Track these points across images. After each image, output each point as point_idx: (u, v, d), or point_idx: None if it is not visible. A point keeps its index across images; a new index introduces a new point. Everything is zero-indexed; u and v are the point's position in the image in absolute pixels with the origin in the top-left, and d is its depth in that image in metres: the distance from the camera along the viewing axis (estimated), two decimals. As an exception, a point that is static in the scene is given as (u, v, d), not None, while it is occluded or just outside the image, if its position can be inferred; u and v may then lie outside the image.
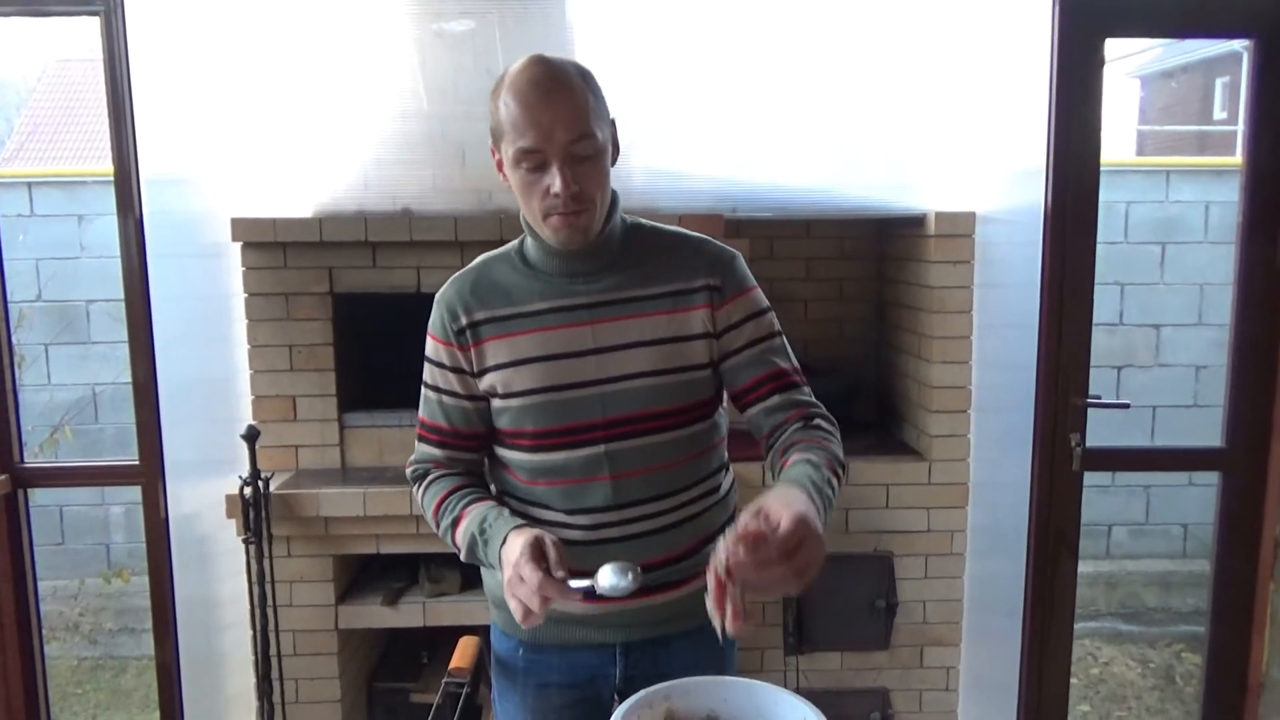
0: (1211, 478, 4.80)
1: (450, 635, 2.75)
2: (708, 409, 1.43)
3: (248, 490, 2.30)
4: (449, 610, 2.52)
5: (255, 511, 2.31)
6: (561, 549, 1.23)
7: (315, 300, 2.52)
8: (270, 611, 2.40)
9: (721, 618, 1.06)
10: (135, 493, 2.34)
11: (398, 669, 2.83)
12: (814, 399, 1.44)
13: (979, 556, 2.65)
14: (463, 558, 1.36)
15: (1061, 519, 2.36)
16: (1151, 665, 4.25)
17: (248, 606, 2.39)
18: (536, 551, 1.20)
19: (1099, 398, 2.36)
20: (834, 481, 1.27)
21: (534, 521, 1.41)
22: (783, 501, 1.12)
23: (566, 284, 1.38)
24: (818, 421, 1.40)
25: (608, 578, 1.21)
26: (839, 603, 2.62)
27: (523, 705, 1.49)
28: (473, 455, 1.46)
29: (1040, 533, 2.36)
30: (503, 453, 1.44)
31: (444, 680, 1.33)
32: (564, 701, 1.46)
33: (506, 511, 1.34)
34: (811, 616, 2.62)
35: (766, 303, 1.45)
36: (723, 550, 1.07)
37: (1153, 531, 4.84)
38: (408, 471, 1.48)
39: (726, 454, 1.53)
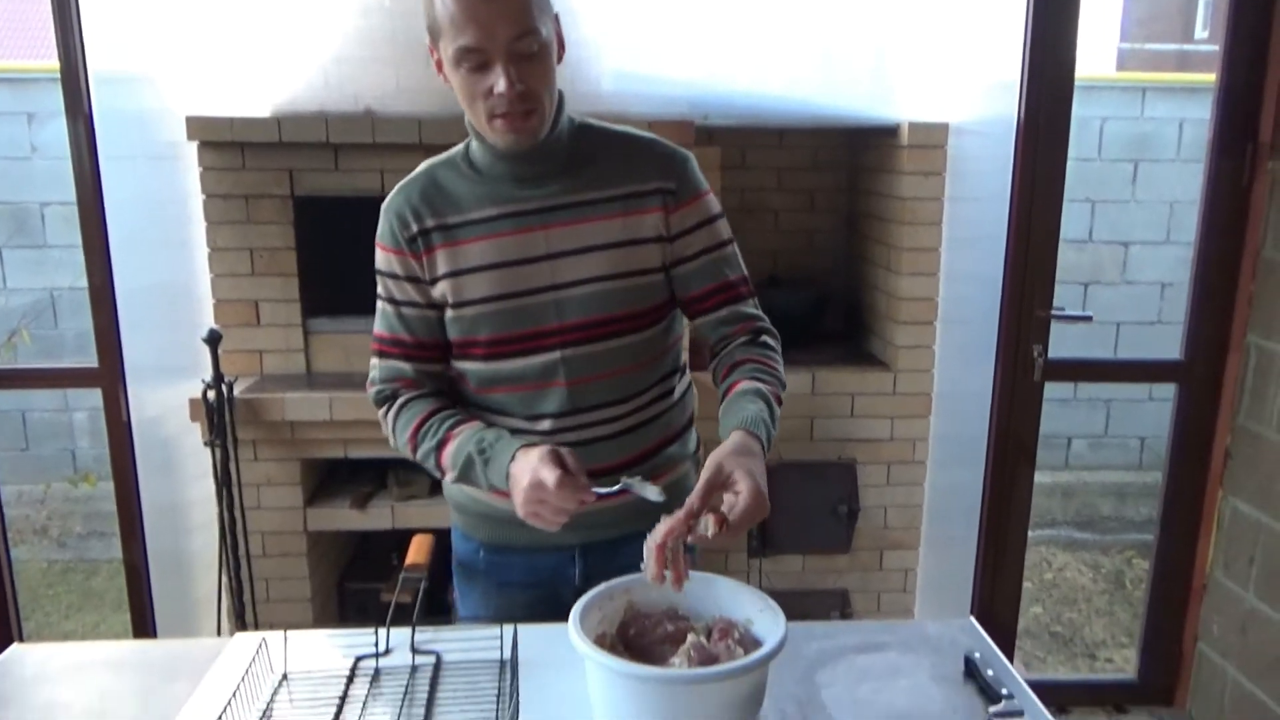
0: (1169, 391, 4.93)
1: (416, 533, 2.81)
2: (662, 313, 1.43)
3: (211, 394, 2.28)
4: (417, 513, 2.55)
5: (219, 415, 2.30)
6: (578, 456, 1.24)
7: (276, 203, 2.46)
8: (238, 514, 2.42)
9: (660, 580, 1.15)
10: (98, 397, 2.31)
11: (368, 570, 2.88)
12: (760, 312, 1.46)
13: (940, 465, 2.71)
14: (450, 479, 1.36)
15: (1021, 429, 2.40)
16: (1103, 571, 4.40)
17: (216, 509, 2.40)
18: (556, 458, 1.21)
19: (1063, 310, 2.38)
20: (777, 409, 1.33)
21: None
22: (743, 469, 1.16)
23: (515, 188, 1.35)
24: (764, 339, 1.43)
25: (638, 484, 1.24)
26: (802, 508, 2.68)
27: (484, 603, 1.53)
28: (440, 368, 1.44)
29: (1000, 442, 2.41)
30: (455, 361, 1.44)
31: (401, 576, 1.34)
32: (525, 600, 1.50)
33: (507, 431, 1.33)
34: (775, 521, 2.67)
35: (718, 207, 1.44)
36: (663, 529, 1.15)
37: (1110, 444, 4.96)
38: (371, 393, 1.44)
39: (684, 356, 1.54)
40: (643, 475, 1.41)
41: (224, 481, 2.36)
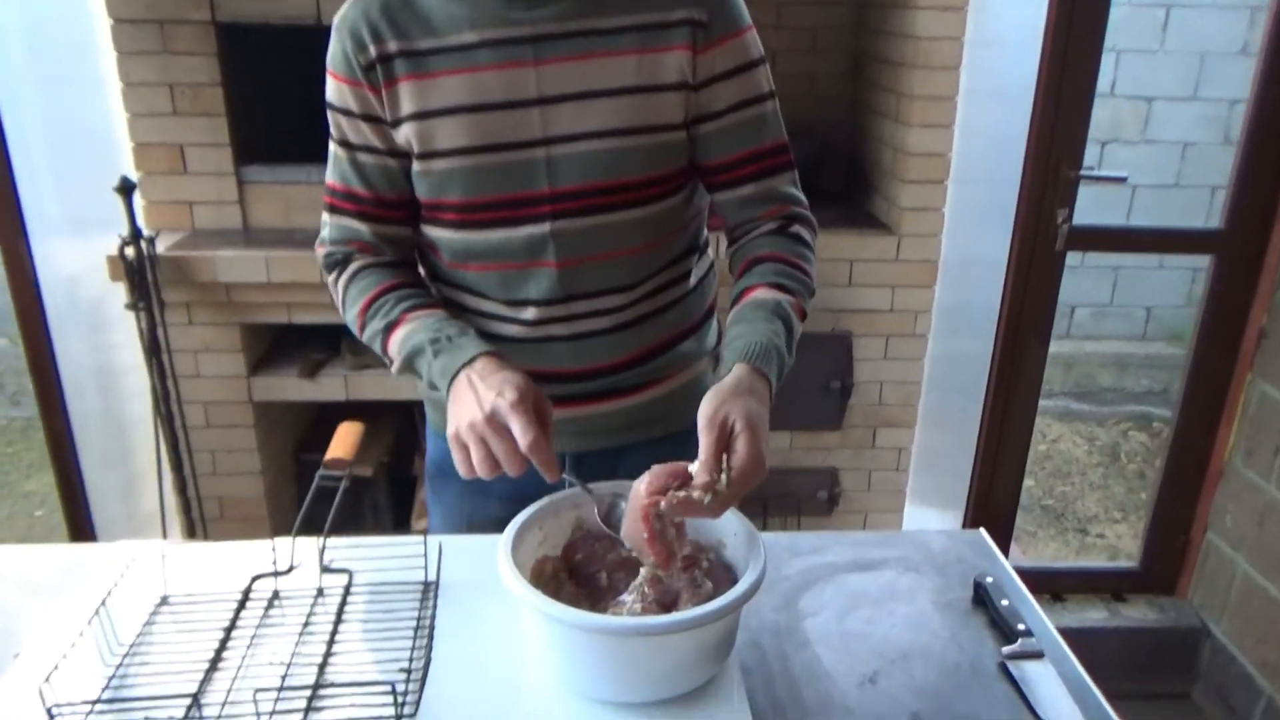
0: (1182, 261, 4.66)
1: (379, 409, 2.61)
2: (680, 181, 1.15)
3: (130, 251, 2.02)
4: (373, 383, 2.34)
5: (141, 275, 2.04)
6: (551, 417, 1.00)
7: (196, 30, 2.13)
8: (171, 383, 2.20)
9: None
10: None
11: (326, 441, 2.67)
12: (798, 192, 1.18)
13: (941, 338, 2.49)
14: (395, 369, 1.10)
15: (1036, 302, 2.17)
16: (1098, 443, 4.28)
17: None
18: (538, 402, 0.96)
19: (1093, 170, 2.11)
20: (798, 327, 1.08)
21: (463, 312, 1.17)
22: (744, 419, 0.92)
23: (503, 7, 1.05)
24: (796, 230, 1.15)
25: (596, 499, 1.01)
26: (792, 383, 2.45)
27: (458, 511, 1.31)
28: (403, 230, 1.17)
29: (1012, 316, 2.18)
30: (425, 227, 1.17)
31: (317, 473, 1.13)
32: (504, 513, 1.26)
33: (473, 330, 1.07)
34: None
35: (760, 50, 1.14)
36: (644, 483, 0.91)
37: (1115, 313, 4.75)
38: (319, 255, 1.19)
39: (706, 232, 1.27)
40: (642, 375, 1.19)
41: (153, 349, 2.13)
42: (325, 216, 1.17)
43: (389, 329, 1.10)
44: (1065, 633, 1.05)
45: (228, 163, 2.25)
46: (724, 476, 0.88)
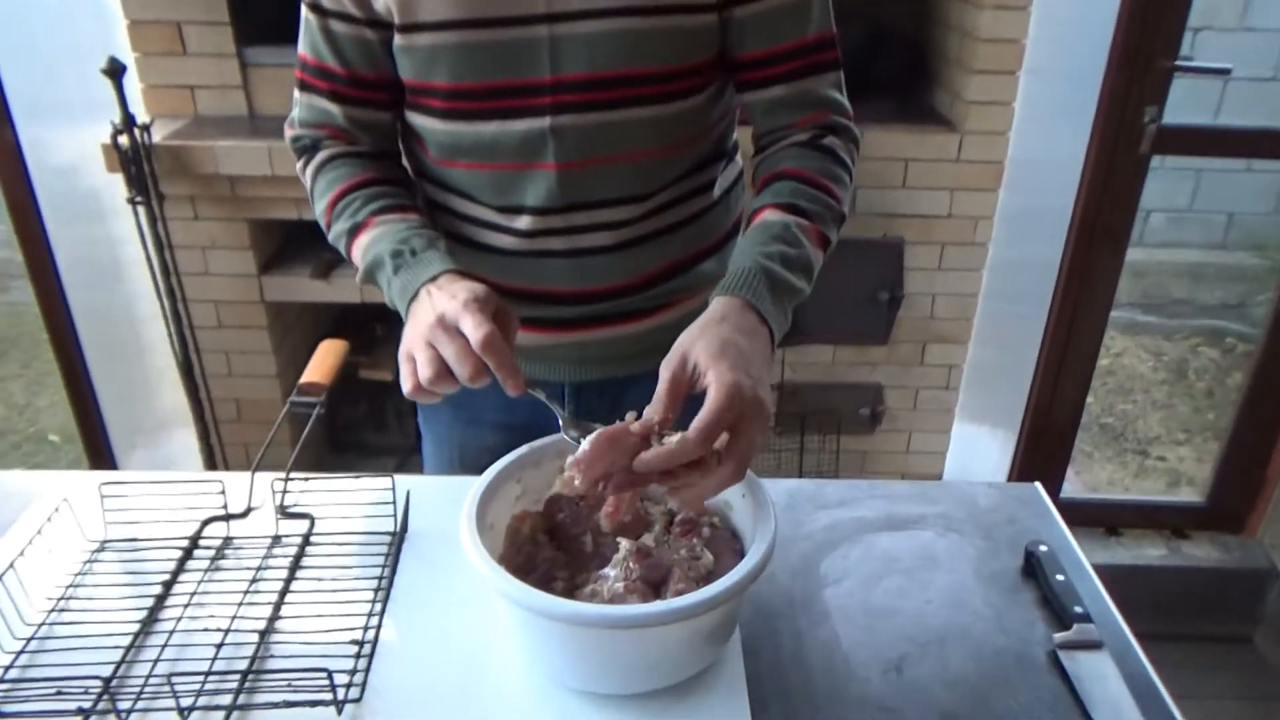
0: (1275, 164, 4.30)
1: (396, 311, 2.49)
2: (706, 75, 0.96)
3: (123, 140, 1.88)
4: (388, 286, 2.20)
5: (137, 166, 1.91)
6: (516, 321, 0.84)
7: (189, -109, 1.93)
8: (176, 281, 2.09)
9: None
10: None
11: (349, 340, 2.58)
12: (840, 96, 0.99)
13: (1003, 245, 2.27)
14: (358, 278, 0.94)
15: (1114, 210, 1.94)
16: (1165, 359, 4.03)
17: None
18: (493, 306, 0.80)
19: (1190, 60, 1.85)
20: (815, 257, 0.91)
21: (450, 215, 1.02)
22: (713, 356, 0.75)
23: None
24: (829, 142, 0.96)
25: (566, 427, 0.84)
26: (837, 293, 2.28)
27: (449, 440, 1.20)
28: (382, 116, 1.01)
29: (1085, 222, 1.95)
30: (409, 115, 1.00)
31: (289, 400, 1.00)
32: (498, 442, 1.12)
33: (442, 241, 0.92)
34: (805, 306, 2.29)
35: None
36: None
37: (1193, 219, 4.41)
38: (288, 138, 1.04)
39: (735, 134, 1.09)
40: (652, 298, 1.03)
41: (156, 244, 2.02)
42: (295, 93, 1.01)
43: (354, 232, 0.94)
44: (1119, 571, 0.90)
45: (229, 43, 2.07)
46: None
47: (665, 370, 0.76)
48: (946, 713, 0.79)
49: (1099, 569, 0.95)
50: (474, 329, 0.76)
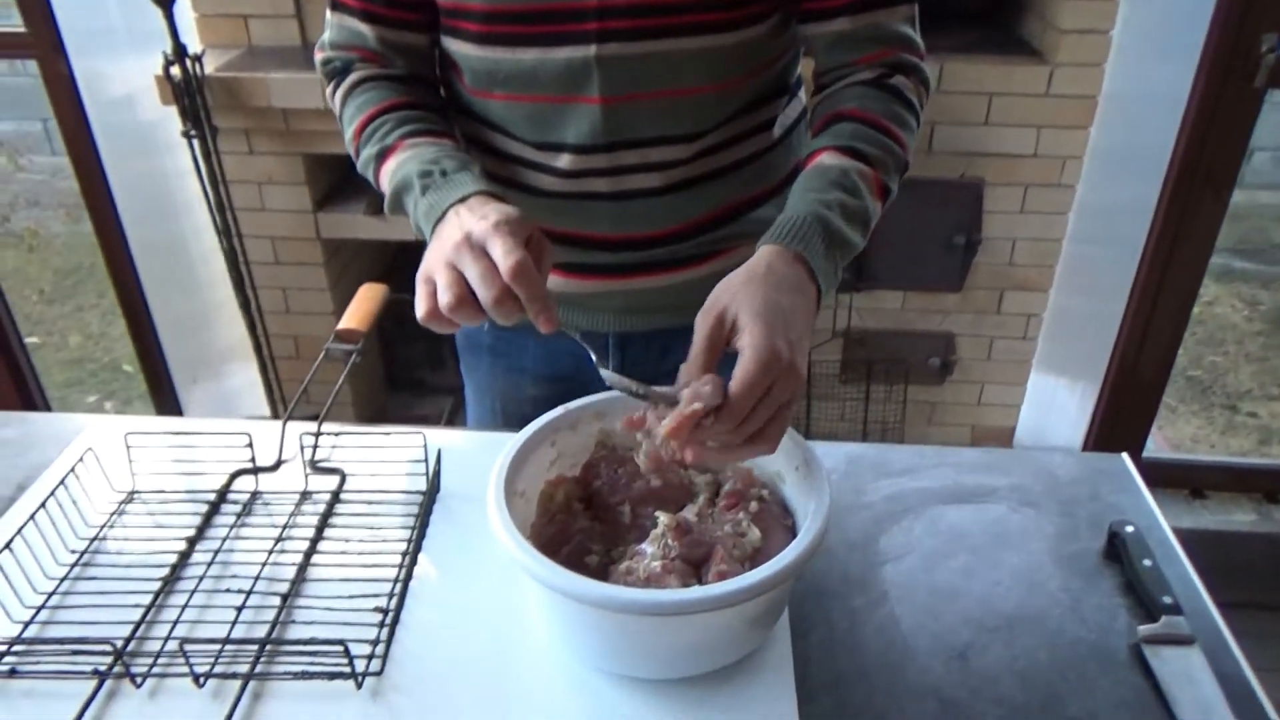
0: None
1: (456, 249, 2.45)
2: (768, 3, 0.87)
3: (175, 71, 1.84)
4: (444, 224, 2.15)
5: (190, 98, 1.87)
6: (551, 251, 0.76)
7: None
8: (231, 216, 2.07)
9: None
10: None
11: (406, 279, 2.54)
12: (911, 32, 0.88)
13: (1093, 187, 2.11)
14: (385, 206, 0.88)
15: (1219, 146, 1.78)
16: (1260, 309, 3.80)
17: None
18: (527, 232, 0.73)
19: (1320, -19, 1.66)
20: (874, 207, 0.81)
21: (486, 152, 0.95)
22: (753, 312, 0.68)
23: None
24: (897, 82, 0.86)
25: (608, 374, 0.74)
26: (910, 235, 2.17)
27: (489, 389, 1.14)
28: (418, 39, 0.94)
29: (1187, 161, 1.80)
30: (445, 40, 0.93)
31: (325, 346, 0.96)
32: (539, 393, 1.08)
33: (475, 164, 0.84)
34: (875, 249, 2.18)
35: None
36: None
37: (1302, 158, 4.12)
38: (318, 60, 0.98)
39: (799, 68, 1.00)
40: (703, 245, 0.96)
41: (211, 179, 1.99)
42: (327, 14, 0.95)
43: (382, 157, 0.88)
44: (1203, 537, 0.81)
45: (282, -31, 2.02)
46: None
47: (701, 325, 0.69)
48: (1015, 708, 0.72)
49: (1180, 534, 0.87)
50: (504, 254, 0.68)
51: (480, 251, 0.70)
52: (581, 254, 0.96)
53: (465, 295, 0.69)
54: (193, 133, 1.93)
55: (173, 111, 1.98)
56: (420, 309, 0.72)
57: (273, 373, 2.27)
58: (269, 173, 2.10)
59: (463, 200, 0.77)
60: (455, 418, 2.52)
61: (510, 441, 0.76)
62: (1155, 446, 2.45)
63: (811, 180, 0.80)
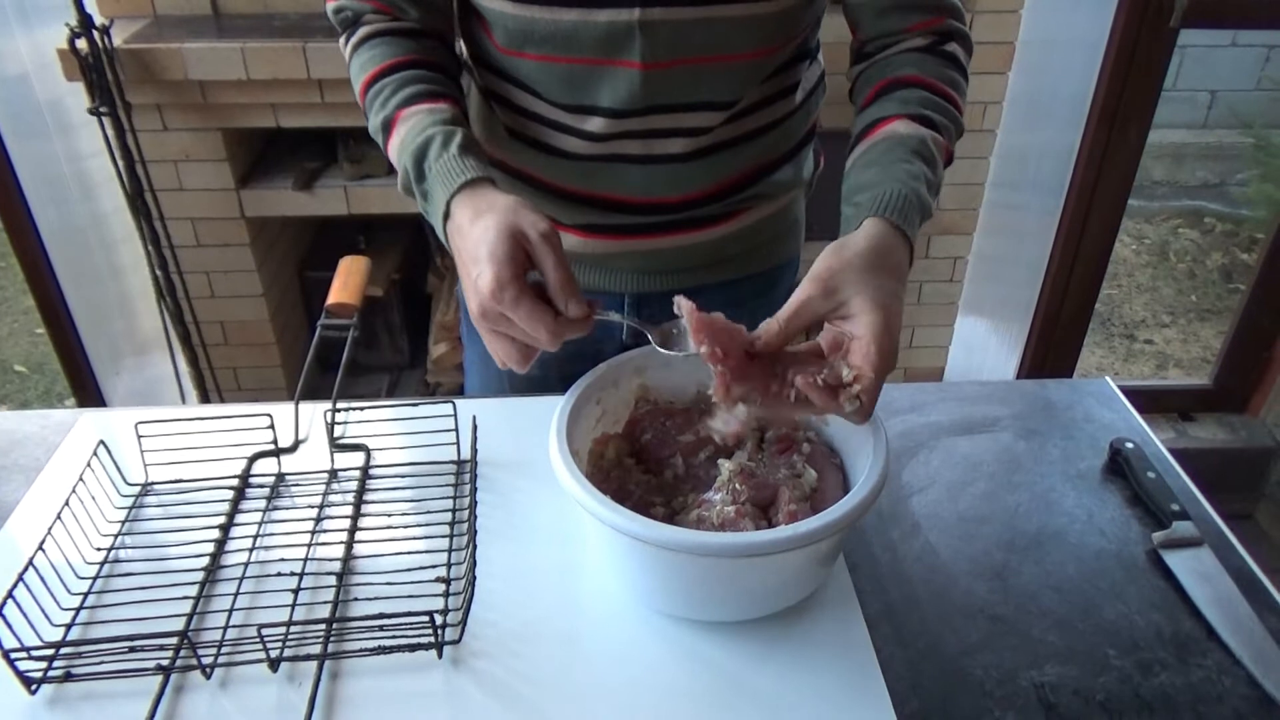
0: (1256, 37, 4.23)
1: (383, 221, 2.38)
2: None
3: (81, 44, 1.73)
4: (377, 196, 2.10)
5: (99, 73, 1.76)
6: (557, 240, 0.71)
7: None
8: (151, 197, 1.96)
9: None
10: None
11: (331, 256, 2.45)
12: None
13: (1011, 133, 2.20)
14: (399, 186, 0.84)
15: (1137, 87, 1.87)
16: (1147, 242, 4.04)
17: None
18: (519, 263, 0.69)
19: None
20: (941, 177, 0.82)
21: (511, 110, 0.92)
22: (870, 297, 0.67)
23: None
24: (952, 49, 0.87)
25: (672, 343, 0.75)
26: (836, 185, 2.21)
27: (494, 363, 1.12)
28: None
29: (1107, 104, 1.89)
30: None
31: (319, 324, 0.93)
32: (550, 356, 1.07)
33: (458, 136, 0.78)
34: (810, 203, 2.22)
35: None
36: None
37: (1176, 98, 4.36)
38: (329, 8, 0.91)
39: (819, 33, 1.00)
40: (727, 205, 0.96)
41: (125, 158, 1.88)
42: None
43: (387, 130, 0.84)
44: None
45: (187, -67, 1.91)
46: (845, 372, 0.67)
47: (807, 291, 0.68)
48: (1058, 618, 0.77)
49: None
50: (533, 330, 0.69)
51: (505, 321, 0.70)
52: (603, 215, 0.95)
53: (521, 352, 0.73)
54: (103, 110, 1.81)
55: (76, 88, 1.87)
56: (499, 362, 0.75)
57: (204, 360, 2.18)
58: (185, 150, 2.00)
59: (448, 216, 0.76)
60: (393, 396, 2.47)
61: (561, 401, 0.75)
62: (1071, 377, 2.60)
63: (895, 150, 0.79)
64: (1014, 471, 0.92)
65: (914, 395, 1.03)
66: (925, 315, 2.45)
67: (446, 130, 0.79)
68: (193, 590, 0.73)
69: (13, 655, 0.64)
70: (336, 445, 0.89)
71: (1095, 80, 1.91)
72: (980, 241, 2.36)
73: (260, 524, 0.80)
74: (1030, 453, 0.95)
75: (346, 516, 0.81)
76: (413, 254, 2.49)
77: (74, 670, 0.67)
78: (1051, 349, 2.25)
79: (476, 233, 0.71)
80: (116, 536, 0.79)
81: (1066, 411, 1.00)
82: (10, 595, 0.66)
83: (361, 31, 0.88)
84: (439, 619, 0.66)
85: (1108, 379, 1.05)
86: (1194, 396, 2.29)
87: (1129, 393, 1.05)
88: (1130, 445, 0.92)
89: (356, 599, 0.73)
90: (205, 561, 0.76)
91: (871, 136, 0.82)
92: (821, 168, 1.09)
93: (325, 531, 0.80)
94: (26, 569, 0.69)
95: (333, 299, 1.00)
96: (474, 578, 0.71)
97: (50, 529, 0.73)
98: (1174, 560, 0.82)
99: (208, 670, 0.66)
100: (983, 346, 2.51)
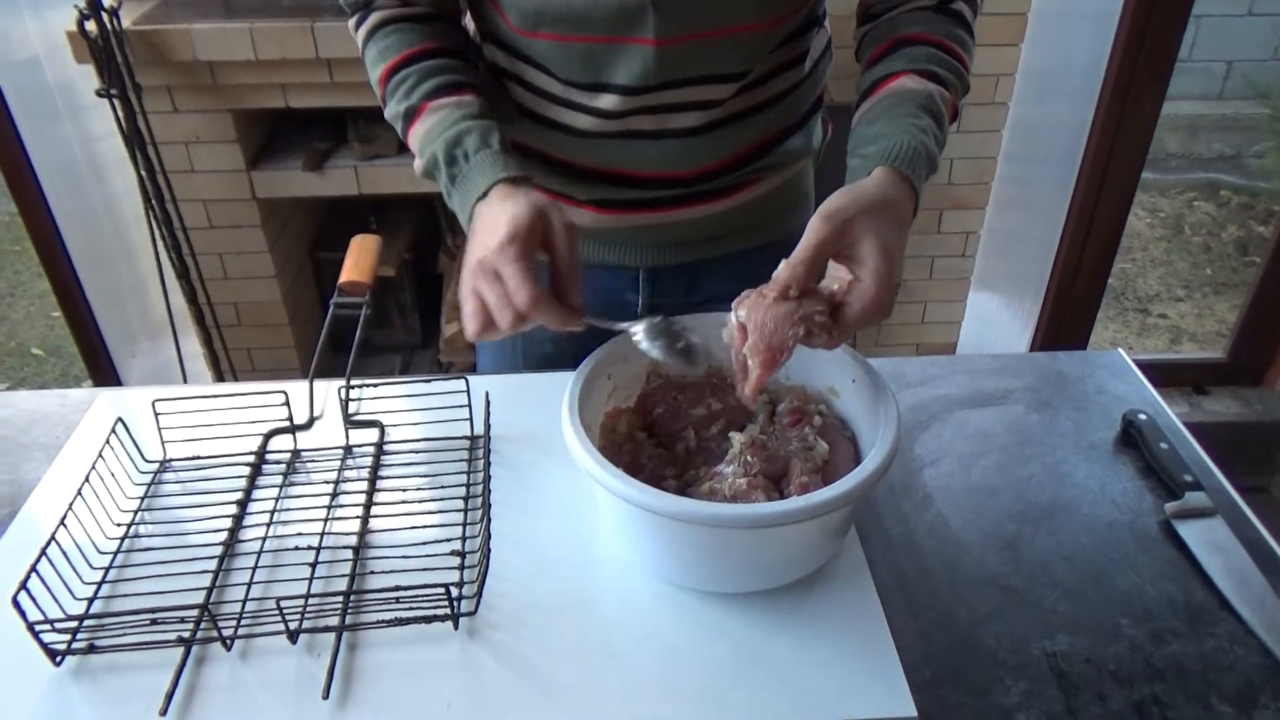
0: (1272, 6, 4.17)
1: (394, 201, 2.38)
2: None
3: (90, 26, 1.73)
4: (386, 176, 2.10)
5: (108, 55, 1.76)
6: (575, 236, 0.74)
7: None
8: (162, 179, 1.97)
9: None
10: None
11: (342, 237, 2.46)
12: None
13: (1025, 104, 2.18)
14: (418, 170, 0.85)
15: (1153, 57, 1.85)
16: (1161, 215, 4.00)
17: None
18: (538, 238, 0.72)
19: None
20: (946, 133, 0.82)
21: (523, 88, 0.92)
22: (876, 240, 0.68)
23: None
24: (959, 7, 0.86)
25: (646, 337, 0.76)
26: (840, 156, 2.20)
27: (507, 341, 1.12)
28: None
29: (1121, 75, 1.87)
30: None
31: (331, 303, 0.93)
32: (555, 348, 1.08)
33: (496, 133, 0.80)
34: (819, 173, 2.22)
35: None
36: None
37: (1192, 69, 4.31)
38: None
39: (825, 4, 1.00)
40: (738, 177, 0.96)
41: (136, 140, 1.89)
42: None
43: (409, 119, 0.85)
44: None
45: (194, -90, 1.90)
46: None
47: (820, 229, 0.68)
48: (1070, 589, 0.77)
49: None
50: (515, 289, 0.69)
51: (494, 277, 0.70)
52: (615, 190, 0.95)
53: (487, 322, 0.72)
54: (113, 92, 1.82)
55: (86, 70, 1.87)
56: (470, 330, 0.73)
57: (219, 342, 2.19)
58: (196, 131, 2.01)
59: (484, 196, 0.77)
60: (405, 375, 2.48)
61: (572, 376, 0.76)
62: (1085, 351, 2.58)
63: (901, 104, 0.79)
64: (1026, 443, 0.92)
65: (925, 368, 1.03)
66: (937, 290, 2.44)
67: (483, 125, 0.81)
68: (212, 564, 0.74)
69: (38, 628, 0.65)
70: (351, 421, 0.89)
71: (1108, 51, 1.89)
72: (992, 216, 2.34)
73: (277, 499, 0.81)
74: (1042, 425, 0.95)
75: (362, 492, 0.82)
76: (424, 234, 2.49)
77: (97, 642, 0.68)
78: (1064, 324, 2.24)
79: (505, 207, 0.73)
80: (136, 513, 0.80)
81: (1079, 384, 1.00)
82: (34, 570, 0.67)
83: (375, 17, 0.88)
84: (454, 591, 0.67)
85: (1120, 351, 1.05)
86: (1208, 370, 2.27)
87: (1142, 366, 1.04)
88: (1143, 416, 0.92)
89: (373, 572, 0.74)
90: (224, 536, 0.77)
91: (879, 92, 0.82)
92: (829, 136, 1.08)
93: (341, 506, 0.81)
94: (49, 545, 0.70)
95: (345, 277, 1.01)
96: (489, 550, 0.72)
97: (71, 505, 0.74)
98: (1186, 530, 0.82)
99: (228, 642, 0.68)
100: (995, 322, 2.50)
